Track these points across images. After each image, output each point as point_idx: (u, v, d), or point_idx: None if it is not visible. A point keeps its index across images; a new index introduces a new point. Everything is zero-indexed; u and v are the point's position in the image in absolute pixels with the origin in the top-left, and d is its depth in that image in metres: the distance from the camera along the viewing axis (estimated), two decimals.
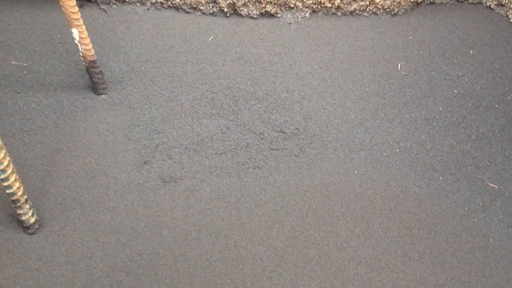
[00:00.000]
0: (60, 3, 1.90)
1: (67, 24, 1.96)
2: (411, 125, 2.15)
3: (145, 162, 2.05)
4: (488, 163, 2.04)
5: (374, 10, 2.54)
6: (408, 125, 2.15)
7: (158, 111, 2.20)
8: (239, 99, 2.28)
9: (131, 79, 2.29)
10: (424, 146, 2.09)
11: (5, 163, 1.54)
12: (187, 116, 2.21)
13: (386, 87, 2.28)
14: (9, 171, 1.57)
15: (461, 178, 2.00)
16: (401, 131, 2.13)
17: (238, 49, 2.43)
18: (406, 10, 2.57)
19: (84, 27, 1.98)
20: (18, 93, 2.18)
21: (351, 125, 2.15)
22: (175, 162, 2.05)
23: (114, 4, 2.55)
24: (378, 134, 2.12)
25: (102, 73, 2.15)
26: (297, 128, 2.16)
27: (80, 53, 2.06)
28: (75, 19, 1.94)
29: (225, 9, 2.54)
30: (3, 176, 1.54)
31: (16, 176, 1.61)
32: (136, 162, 2.04)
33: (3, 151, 1.52)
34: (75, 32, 1.97)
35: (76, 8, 1.92)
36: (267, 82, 2.31)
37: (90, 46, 2.03)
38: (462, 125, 2.15)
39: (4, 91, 2.18)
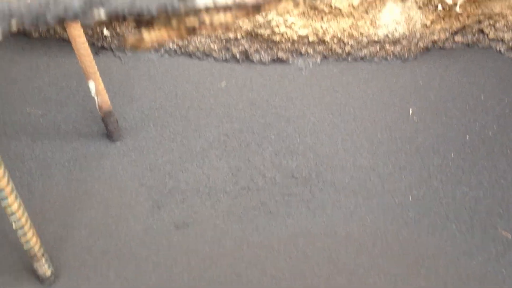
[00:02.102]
0: (78, 57, 1.95)
1: (84, 76, 2.00)
2: (424, 172, 2.16)
3: (158, 207, 2.07)
4: (501, 211, 2.04)
5: (384, 55, 2.57)
6: (420, 172, 2.16)
7: (171, 156, 2.23)
8: (251, 143, 2.30)
9: (145, 125, 2.33)
10: (437, 194, 2.09)
11: (23, 219, 1.56)
12: (199, 160, 2.24)
13: (398, 132, 2.30)
14: (26, 226, 1.59)
15: (474, 226, 2.00)
16: (413, 177, 2.14)
17: (250, 94, 2.47)
18: (416, 56, 2.60)
19: (100, 79, 2.03)
20: (34, 141, 2.22)
21: (363, 171, 2.16)
22: (188, 207, 2.07)
23: (129, 51, 2.61)
24: (391, 180, 2.13)
25: (117, 121, 2.20)
26: (309, 174, 2.18)
27: (96, 104, 2.10)
28: (92, 72, 1.99)
29: (238, 56, 2.59)
30: (21, 233, 1.57)
31: (33, 231, 1.63)
32: (150, 207, 2.06)
33: (21, 208, 1.55)
34: (91, 84, 2.02)
35: (93, 62, 1.98)
36: (279, 126, 2.34)
37: (106, 97, 2.08)
38: (474, 172, 2.15)
39: (21, 139, 2.22)
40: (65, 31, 2.57)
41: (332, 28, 2.48)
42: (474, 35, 2.62)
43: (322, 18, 2.45)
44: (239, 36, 2.53)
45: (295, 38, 2.51)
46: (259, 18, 2.45)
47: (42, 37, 2.61)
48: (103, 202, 2.06)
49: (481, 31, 2.61)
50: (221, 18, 0.90)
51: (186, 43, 2.57)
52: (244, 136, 2.31)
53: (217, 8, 0.88)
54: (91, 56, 1.97)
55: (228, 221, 2.03)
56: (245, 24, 2.46)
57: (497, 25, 2.57)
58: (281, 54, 2.58)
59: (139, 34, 0.90)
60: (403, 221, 2.01)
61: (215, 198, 2.10)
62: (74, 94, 2.41)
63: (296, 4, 0.94)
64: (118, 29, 2.54)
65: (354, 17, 2.46)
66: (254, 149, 2.27)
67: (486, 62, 2.59)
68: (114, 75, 2.50)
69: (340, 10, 2.41)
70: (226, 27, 0.92)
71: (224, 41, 2.55)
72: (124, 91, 2.45)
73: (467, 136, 2.28)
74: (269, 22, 2.45)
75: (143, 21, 0.86)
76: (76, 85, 2.44)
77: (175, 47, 2.59)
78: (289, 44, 2.54)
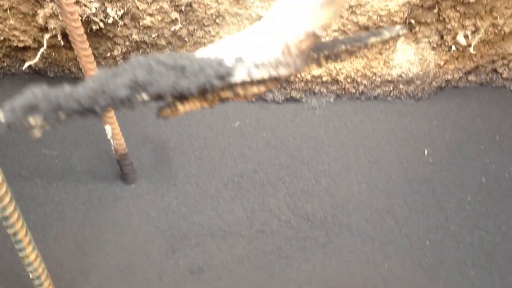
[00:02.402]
0: None
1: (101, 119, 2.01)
2: (441, 215, 2.14)
3: (173, 252, 2.06)
4: None
5: (397, 95, 2.58)
6: (437, 215, 2.14)
7: (185, 198, 2.23)
8: (265, 184, 2.29)
9: (159, 166, 2.33)
10: (454, 238, 2.06)
11: (40, 270, 1.55)
12: (213, 202, 2.23)
13: (413, 174, 2.29)
14: (43, 276, 1.58)
15: (493, 273, 1.97)
16: (430, 221, 2.12)
17: (264, 134, 2.47)
18: (430, 95, 2.60)
19: (116, 122, 2.04)
20: (50, 183, 2.22)
21: (379, 215, 2.15)
22: (203, 251, 2.05)
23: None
24: (407, 225, 2.11)
25: (132, 164, 2.20)
26: (324, 217, 2.16)
27: (112, 147, 2.11)
28: (109, 117, 1.99)
29: None
30: (37, 283, 1.56)
31: (50, 281, 1.62)
32: (165, 252, 2.05)
33: (38, 259, 1.54)
34: (108, 128, 2.03)
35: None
36: (293, 167, 2.33)
37: (122, 140, 2.09)
38: (492, 216, 2.13)
39: (36, 181, 2.23)
40: (81, 70, 2.60)
41: (345, 68, 2.49)
42: (487, 74, 2.62)
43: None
44: None
45: (309, 77, 2.52)
46: None
47: (58, 76, 2.63)
48: (117, 246, 2.05)
49: (495, 70, 2.61)
50: (254, 90, 0.91)
51: None
52: (259, 177, 2.31)
53: (252, 82, 0.89)
54: None
55: (244, 266, 2.01)
56: None
57: (511, 64, 2.57)
58: (294, 93, 2.58)
59: (174, 106, 0.91)
60: (421, 267, 1.99)
61: (230, 242, 2.08)
62: (89, 134, 2.42)
63: (319, 66, 0.96)
64: None
65: (367, 58, 2.47)
66: (269, 190, 2.26)
67: (500, 101, 2.58)
68: (129, 115, 2.51)
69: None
70: (258, 96, 0.94)
71: None
72: (138, 131, 2.46)
73: (483, 178, 2.27)
74: None
75: (181, 97, 0.87)
76: (91, 125, 2.45)
77: None
78: (303, 84, 2.55)
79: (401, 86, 2.55)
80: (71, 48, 2.49)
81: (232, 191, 2.27)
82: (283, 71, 0.91)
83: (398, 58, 2.48)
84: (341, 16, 2.31)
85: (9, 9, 2.39)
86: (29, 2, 2.34)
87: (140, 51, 2.47)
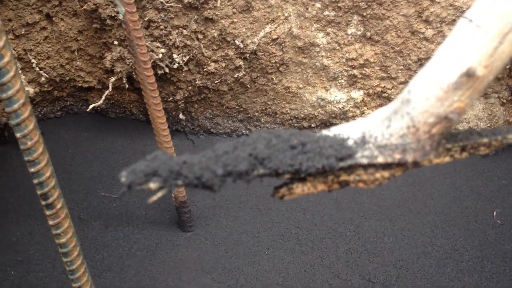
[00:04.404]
0: (158, 144, 1.95)
1: None
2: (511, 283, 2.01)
3: None
4: None
5: None
6: (509, 283, 2.01)
7: (241, 248, 2.17)
8: (324, 238, 2.22)
9: (216, 214, 2.29)
10: None
11: None
12: (270, 253, 2.17)
13: (481, 237, 2.17)
14: None
15: None
16: None
17: None
18: (498, 152, 2.50)
19: None
20: (107, 227, 2.21)
21: (447, 280, 2.04)
22: None
23: (202, 135, 2.61)
24: None
25: (190, 212, 2.16)
26: (387, 278, 2.06)
27: (172, 194, 2.08)
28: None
29: None
30: None
31: None
32: None
33: None
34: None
35: (172, 149, 1.97)
36: (355, 222, 2.26)
37: (183, 188, 2.06)
38: None
39: (94, 224, 2.22)
40: (142, 113, 2.61)
41: None
42: None
43: None
44: (313, 125, 2.50)
45: None
46: (335, 108, 2.42)
47: (119, 117, 2.66)
48: None
49: None
50: (377, 175, 0.85)
51: (259, 129, 2.56)
52: (318, 229, 2.24)
53: (376, 166, 0.83)
54: (172, 147, 1.97)
55: None
56: (321, 114, 2.44)
57: None
58: None
59: (291, 187, 0.86)
60: None
61: None
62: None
63: (453, 159, 0.88)
64: (193, 114, 2.56)
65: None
66: (328, 245, 2.18)
67: None
68: None
69: None
70: (380, 183, 0.87)
71: (297, 129, 2.52)
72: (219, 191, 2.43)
73: None
74: (345, 112, 2.41)
75: (298, 176, 0.83)
76: None
77: (247, 132, 2.59)
78: None
79: None
80: (134, 91, 2.51)
81: (289, 243, 2.20)
82: (409, 157, 0.84)
83: (466, 113, 2.40)
84: (409, 69, 2.26)
85: (77, 51, 2.43)
86: (97, 45, 2.39)
87: (202, 96, 2.47)
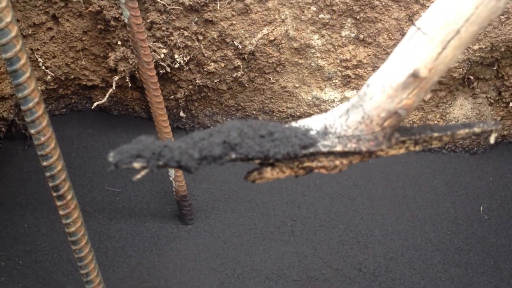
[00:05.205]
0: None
1: None
2: (496, 276, 2.11)
3: None
4: None
5: (453, 148, 2.58)
6: (493, 276, 2.12)
7: (239, 240, 2.27)
8: (318, 230, 2.32)
9: (215, 208, 2.39)
10: None
11: None
12: (266, 244, 2.27)
13: (468, 231, 2.27)
14: None
15: None
16: (486, 281, 2.10)
17: (318, 181, 2.51)
18: (486, 149, 2.60)
19: None
20: (111, 220, 2.31)
21: (434, 271, 2.14)
22: None
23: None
24: (463, 283, 2.09)
25: (191, 205, 2.26)
26: (377, 269, 2.16)
27: (173, 188, 2.18)
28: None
29: None
30: None
31: None
32: None
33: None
34: (171, 171, 2.11)
35: None
36: (347, 216, 2.36)
37: (183, 183, 2.16)
38: None
39: (98, 217, 2.32)
40: (143, 110, 2.71)
41: None
42: None
43: None
44: None
45: None
46: (329, 107, 2.52)
47: (121, 114, 2.75)
48: (172, 285, 2.10)
49: None
50: (337, 162, 0.95)
51: None
52: (312, 222, 2.34)
53: (335, 154, 0.93)
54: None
55: None
56: (316, 112, 2.53)
57: None
58: None
59: (261, 171, 0.97)
60: None
61: (282, 287, 2.11)
62: (149, 174, 2.50)
63: (408, 151, 0.99)
64: (193, 111, 2.65)
65: (424, 111, 2.49)
66: (321, 236, 2.28)
67: None
68: None
69: None
70: (340, 170, 0.98)
71: None
72: (198, 174, 2.53)
73: None
74: None
75: (267, 162, 0.94)
76: None
77: None
78: None
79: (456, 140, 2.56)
80: (136, 89, 2.61)
81: (284, 235, 2.30)
82: (363, 146, 0.95)
83: (454, 112, 2.50)
84: None
85: (82, 51, 2.53)
86: (101, 45, 2.48)
87: (202, 95, 2.56)
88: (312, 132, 0.94)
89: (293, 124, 0.96)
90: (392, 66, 0.90)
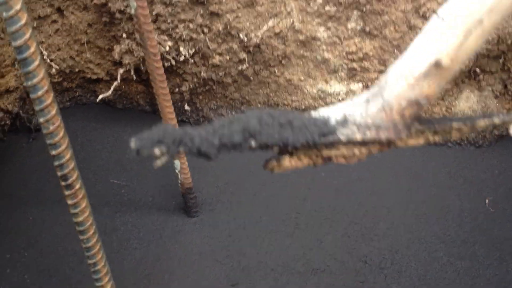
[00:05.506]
0: None
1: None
2: (502, 268, 2.11)
3: (232, 286, 2.10)
4: None
5: (458, 141, 2.58)
6: (499, 269, 2.12)
7: (244, 232, 2.27)
8: (323, 223, 2.32)
9: (220, 201, 2.39)
10: None
11: None
12: (271, 237, 2.27)
13: (473, 223, 2.27)
14: None
15: None
16: (491, 273, 2.10)
17: (323, 174, 2.51)
18: (491, 143, 2.60)
19: (185, 158, 2.11)
20: (116, 213, 2.31)
21: (439, 264, 2.14)
22: (262, 286, 2.09)
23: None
24: (468, 275, 2.09)
25: (196, 198, 2.27)
26: (383, 261, 2.16)
27: (179, 181, 2.18)
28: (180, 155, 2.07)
29: None
30: None
31: None
32: (225, 285, 2.09)
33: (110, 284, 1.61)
34: (177, 163, 2.11)
35: None
36: (352, 209, 2.36)
37: (189, 175, 2.16)
38: None
39: (102, 210, 2.32)
40: (148, 104, 2.71)
41: None
42: None
43: None
44: None
45: None
46: (334, 100, 2.51)
47: (126, 108, 2.75)
48: (178, 278, 2.10)
49: None
50: (356, 151, 0.95)
51: None
52: (317, 215, 2.34)
53: (355, 143, 0.93)
54: None
55: None
56: (321, 105, 2.53)
57: None
58: None
59: (279, 160, 0.97)
60: None
61: (286, 278, 2.11)
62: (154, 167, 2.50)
63: (427, 142, 0.99)
64: (198, 105, 2.65)
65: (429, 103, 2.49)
66: (326, 229, 2.28)
67: None
68: None
69: None
70: (358, 159, 0.98)
71: None
72: (200, 165, 2.53)
73: None
74: None
75: (285, 150, 0.94)
76: None
77: None
78: None
79: None
80: (141, 82, 2.61)
81: (290, 228, 2.30)
82: (383, 135, 0.95)
83: (460, 105, 2.49)
84: None
85: (87, 43, 2.53)
86: (105, 37, 2.48)
87: (207, 88, 2.56)
88: (332, 121, 0.94)
89: (312, 113, 0.96)
90: (414, 55, 0.89)
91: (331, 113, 0.95)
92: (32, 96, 1.20)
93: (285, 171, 0.99)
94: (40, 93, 1.20)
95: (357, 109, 0.94)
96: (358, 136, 0.94)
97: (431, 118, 0.97)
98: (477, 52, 2.29)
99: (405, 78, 0.90)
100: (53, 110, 1.24)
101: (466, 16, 0.86)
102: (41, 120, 1.24)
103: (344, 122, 0.94)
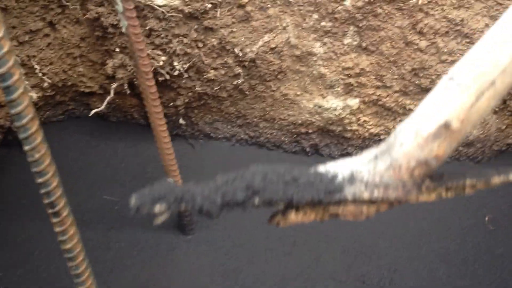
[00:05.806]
0: (160, 156, 2.01)
1: (164, 172, 2.06)
2: (502, 287, 2.08)
3: None
4: None
5: (456, 156, 2.54)
6: (499, 286, 2.08)
7: (240, 251, 2.24)
8: (320, 241, 2.28)
9: (215, 219, 2.35)
10: None
11: None
12: (268, 256, 2.23)
13: (473, 242, 2.24)
14: None
15: None
16: None
17: None
18: (490, 158, 2.56)
19: (179, 175, 2.08)
20: (109, 230, 2.27)
21: (439, 283, 2.10)
22: None
23: (201, 139, 2.67)
24: None
25: (191, 215, 2.23)
26: (381, 280, 2.13)
27: None
28: (172, 170, 2.04)
29: (307, 149, 2.61)
30: None
31: None
32: None
33: None
34: (170, 181, 2.06)
35: (174, 160, 2.03)
36: (350, 227, 2.32)
37: None
38: None
39: (97, 227, 2.28)
40: (142, 117, 2.67)
41: None
42: None
43: (395, 118, 2.46)
44: (310, 131, 2.55)
45: (367, 135, 2.52)
46: (331, 115, 2.48)
47: (120, 121, 2.71)
48: None
49: None
50: (364, 209, 0.92)
51: (258, 134, 2.62)
52: (315, 234, 2.30)
53: (362, 201, 0.90)
54: (173, 155, 2.03)
55: None
56: (318, 120, 2.49)
57: None
58: (351, 149, 2.59)
59: (286, 214, 0.93)
60: None
61: None
62: (148, 181, 2.45)
63: (440, 197, 0.95)
64: (193, 119, 2.61)
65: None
66: (324, 248, 2.25)
67: None
68: (186, 162, 2.55)
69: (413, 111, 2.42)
70: (367, 217, 0.94)
71: (295, 134, 2.58)
72: (195, 178, 2.49)
73: None
74: (341, 119, 2.47)
75: (291, 205, 0.90)
76: (151, 171, 2.50)
77: (246, 137, 2.64)
78: (360, 141, 2.55)
79: (460, 148, 2.52)
80: (135, 96, 2.57)
81: (286, 246, 2.26)
82: (391, 194, 0.91)
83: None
84: (403, 78, 2.32)
85: (79, 57, 2.49)
86: (99, 51, 2.44)
87: (202, 102, 2.52)
88: (339, 178, 0.90)
89: (320, 169, 0.92)
90: (423, 115, 0.86)
91: (338, 168, 0.91)
92: (16, 124, 1.16)
93: (291, 225, 0.96)
94: (24, 121, 1.15)
95: (366, 166, 0.90)
96: (366, 195, 0.90)
97: (442, 173, 0.93)
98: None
99: (414, 137, 0.86)
100: (39, 138, 1.20)
101: (478, 76, 0.82)
102: (26, 148, 1.20)
103: (351, 179, 0.90)
